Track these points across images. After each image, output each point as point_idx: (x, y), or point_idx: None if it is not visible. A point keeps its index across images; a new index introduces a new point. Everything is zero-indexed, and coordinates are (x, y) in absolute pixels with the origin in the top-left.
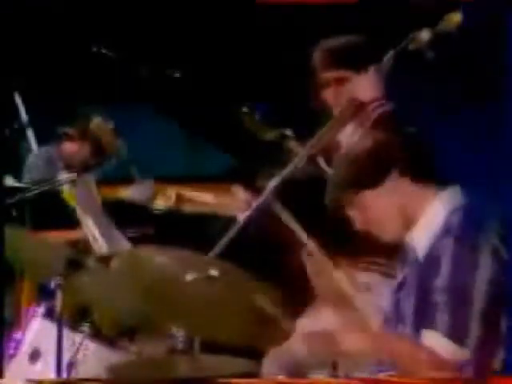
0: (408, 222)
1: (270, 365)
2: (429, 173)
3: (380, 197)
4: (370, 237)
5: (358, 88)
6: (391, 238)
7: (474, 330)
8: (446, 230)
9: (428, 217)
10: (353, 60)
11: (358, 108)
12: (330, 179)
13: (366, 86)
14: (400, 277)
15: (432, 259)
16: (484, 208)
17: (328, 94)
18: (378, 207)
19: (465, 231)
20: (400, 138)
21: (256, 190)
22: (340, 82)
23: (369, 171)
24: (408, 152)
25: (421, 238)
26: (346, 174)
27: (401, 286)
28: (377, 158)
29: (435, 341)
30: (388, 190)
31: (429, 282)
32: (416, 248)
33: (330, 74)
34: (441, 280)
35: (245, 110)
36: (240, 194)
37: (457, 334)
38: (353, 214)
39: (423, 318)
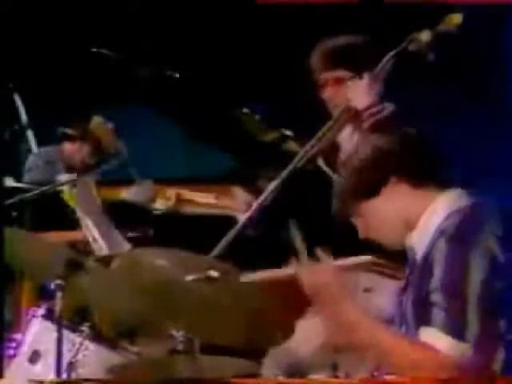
0: (409, 226)
1: (269, 365)
2: (429, 176)
3: (379, 205)
4: (373, 243)
5: (353, 95)
6: (393, 243)
7: (471, 328)
8: (441, 232)
9: (426, 220)
10: (351, 60)
11: (355, 112)
12: (335, 190)
13: (360, 92)
14: (404, 279)
15: (426, 260)
16: (482, 208)
17: (327, 94)
18: (378, 215)
19: (458, 232)
20: (398, 143)
21: (256, 191)
22: (338, 82)
23: (367, 180)
24: (407, 157)
25: (419, 240)
26: (347, 183)
27: (404, 288)
28: (374, 166)
29: (433, 336)
30: (387, 197)
31: (424, 283)
32: (415, 250)
33: (328, 74)
34: (435, 280)
35: (245, 111)
36: (240, 195)
37: (454, 329)
38: (356, 222)
39: (421, 319)
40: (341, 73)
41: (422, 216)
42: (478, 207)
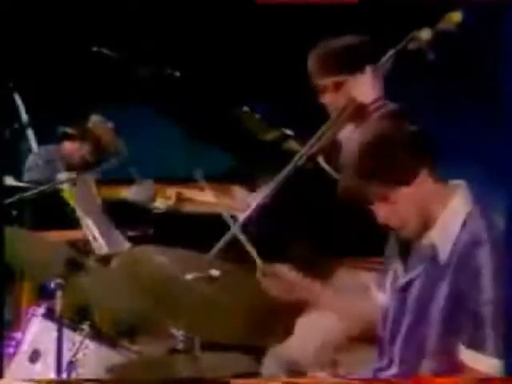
0: (427, 221)
1: (269, 364)
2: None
3: (409, 194)
4: (389, 230)
5: (357, 89)
6: (411, 235)
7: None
8: (475, 238)
9: (448, 216)
10: (349, 64)
11: (357, 107)
12: (348, 165)
13: (365, 87)
14: (409, 275)
15: (468, 269)
16: (492, 207)
17: (326, 99)
18: (405, 204)
19: (495, 240)
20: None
21: (256, 191)
22: (338, 86)
23: (404, 167)
24: (432, 152)
25: (441, 238)
26: (375, 164)
27: (410, 284)
28: (413, 154)
29: (480, 362)
30: (417, 188)
31: (467, 293)
32: (437, 247)
33: (327, 80)
34: (486, 293)
35: (245, 109)
36: (240, 194)
37: (502, 349)
38: (376, 206)
39: (458, 328)
40: (340, 77)
41: (442, 213)
42: (487, 204)
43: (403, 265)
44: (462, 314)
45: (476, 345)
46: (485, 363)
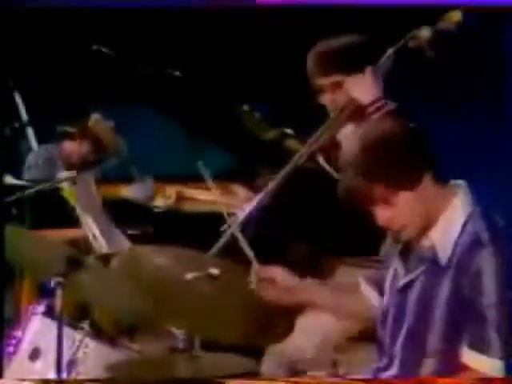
0: (428, 223)
1: (269, 364)
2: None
3: (412, 198)
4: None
5: (356, 89)
6: (411, 237)
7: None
8: (476, 239)
9: (448, 218)
10: (347, 64)
11: (356, 107)
12: (349, 166)
13: (363, 87)
14: (409, 276)
15: (470, 271)
16: (493, 208)
17: (325, 99)
18: (407, 208)
19: (497, 241)
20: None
21: (256, 189)
22: (336, 86)
23: (409, 171)
24: (430, 152)
25: (442, 239)
26: (378, 166)
27: (409, 285)
28: (414, 155)
29: (482, 363)
30: (419, 192)
31: (469, 295)
32: (437, 249)
33: (325, 80)
34: (489, 295)
35: (245, 109)
36: (240, 192)
37: (502, 350)
38: (378, 208)
39: (460, 329)
40: (337, 77)
41: (442, 214)
42: (489, 206)
43: (403, 265)
44: (464, 315)
45: (479, 346)
46: (487, 364)
